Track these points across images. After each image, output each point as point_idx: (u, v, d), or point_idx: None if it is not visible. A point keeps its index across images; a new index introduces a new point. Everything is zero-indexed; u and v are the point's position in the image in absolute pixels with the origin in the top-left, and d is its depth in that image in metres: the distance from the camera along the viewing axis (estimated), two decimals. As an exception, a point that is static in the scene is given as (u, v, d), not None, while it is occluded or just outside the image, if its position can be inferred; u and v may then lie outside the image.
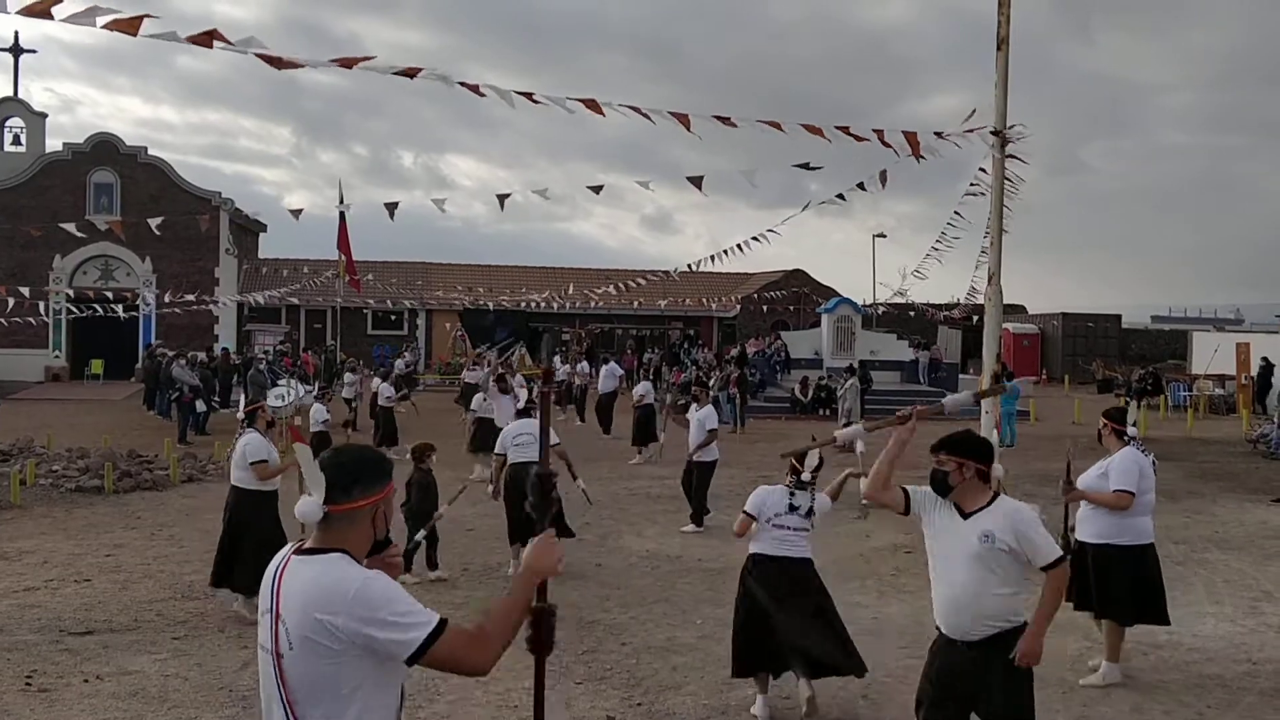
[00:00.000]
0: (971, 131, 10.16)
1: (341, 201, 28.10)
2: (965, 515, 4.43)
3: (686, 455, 12.37)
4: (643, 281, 27.50)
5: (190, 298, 28.07)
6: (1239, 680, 6.77)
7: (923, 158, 9.62)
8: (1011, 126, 10.40)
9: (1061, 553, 4.51)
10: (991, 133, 10.58)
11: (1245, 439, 21.00)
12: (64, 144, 35.56)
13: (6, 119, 35.78)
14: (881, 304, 38.52)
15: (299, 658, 2.49)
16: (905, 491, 4.61)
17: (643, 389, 18.90)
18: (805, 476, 6.29)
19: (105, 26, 4.91)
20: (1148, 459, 6.82)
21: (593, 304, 36.22)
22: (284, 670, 2.51)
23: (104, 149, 35.04)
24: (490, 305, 36.66)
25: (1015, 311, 42.58)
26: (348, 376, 22.63)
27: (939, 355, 33.10)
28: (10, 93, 36.07)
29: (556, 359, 32.00)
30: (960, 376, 31.62)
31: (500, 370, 18.65)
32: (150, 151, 35.63)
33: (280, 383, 21.09)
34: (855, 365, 24.43)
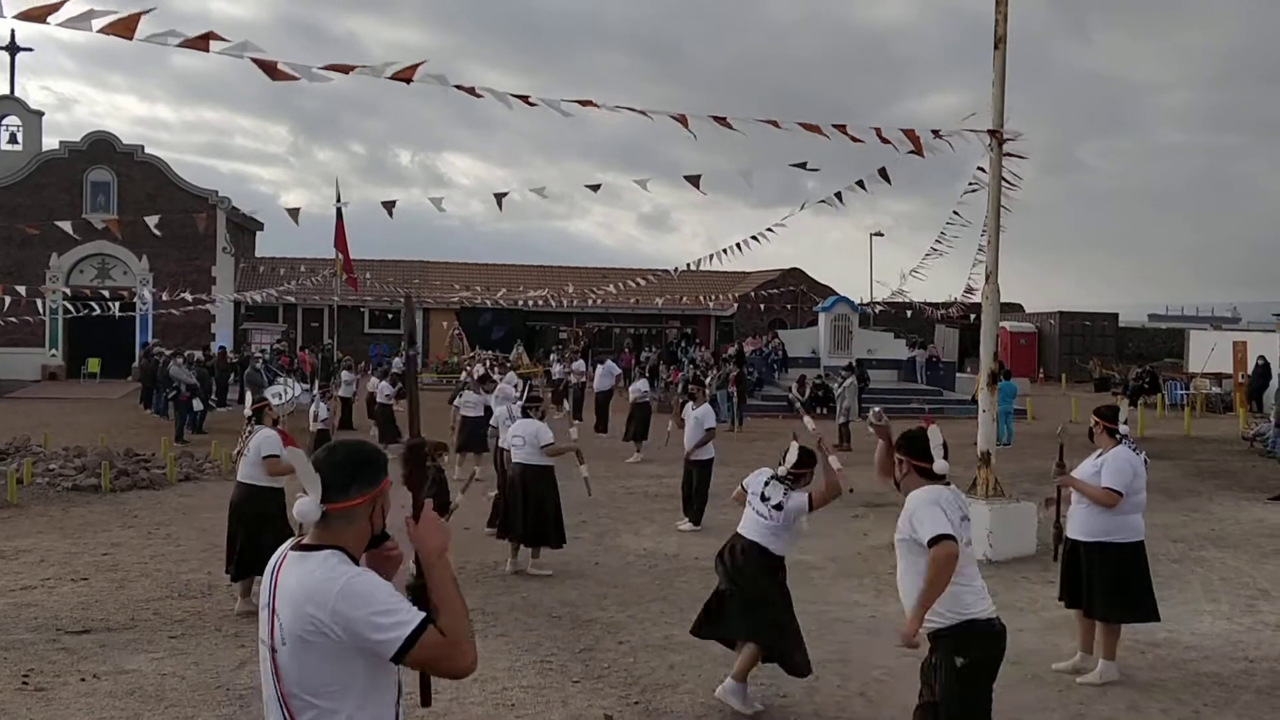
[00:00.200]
0: (971, 131, 10.17)
1: (339, 200, 28.12)
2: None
3: (684, 455, 12.34)
4: (643, 281, 27.52)
5: (187, 296, 28.03)
6: (1236, 678, 6.78)
7: (923, 154, 9.63)
8: (1006, 129, 10.41)
9: (939, 533, 4.29)
10: (989, 131, 10.59)
11: (1242, 437, 21.03)
12: (60, 142, 35.56)
13: (3, 117, 35.74)
14: (879, 302, 38.55)
15: (291, 652, 2.51)
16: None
17: (639, 387, 18.90)
18: (780, 471, 6.28)
19: (102, 30, 4.91)
20: (1140, 457, 6.84)
21: (590, 302, 36.23)
22: (279, 664, 2.54)
23: (100, 147, 35.03)
24: (488, 303, 36.65)
25: (1012, 310, 42.63)
26: (344, 375, 22.64)
27: (936, 354, 33.12)
28: (7, 91, 36.05)
29: (552, 357, 32.06)
30: (957, 375, 31.65)
31: (483, 370, 18.60)
32: (147, 150, 35.65)
33: (277, 381, 21.07)
34: (853, 364, 24.46)
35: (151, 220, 14.25)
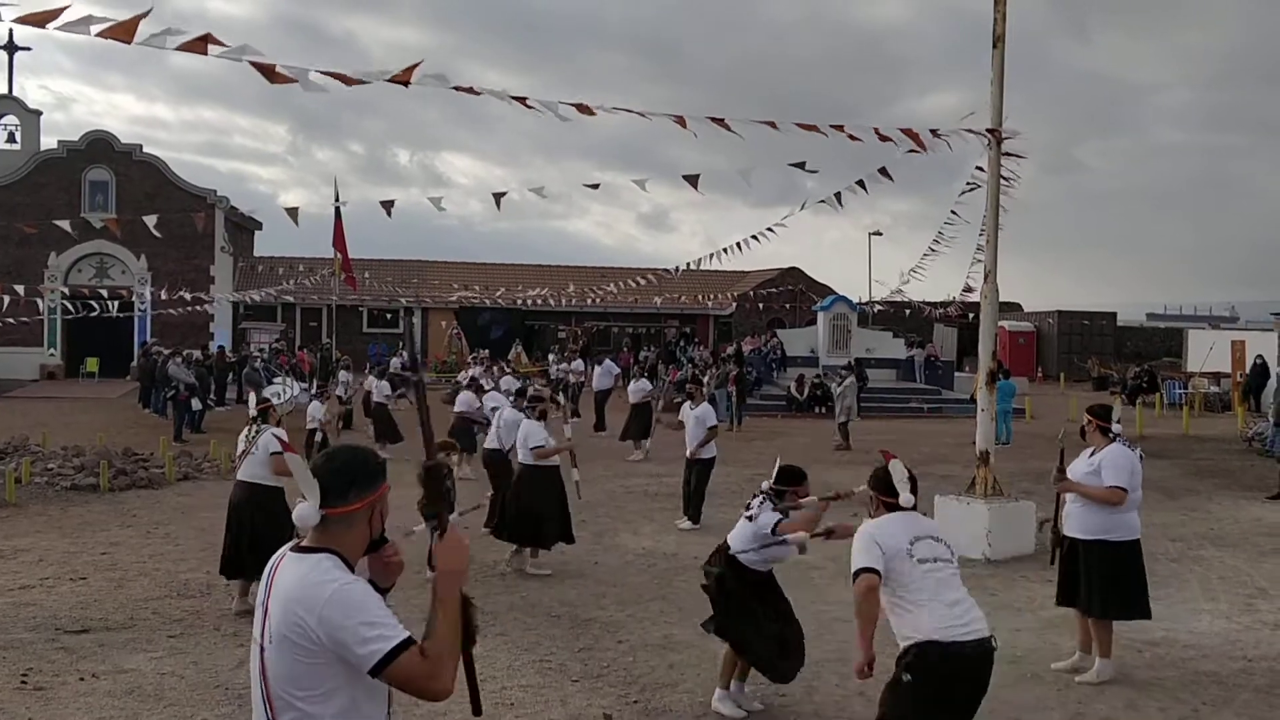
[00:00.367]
0: (969, 130, 10.18)
1: (337, 199, 28.08)
2: None
3: (685, 454, 12.33)
4: (642, 281, 27.51)
5: (186, 296, 28.02)
6: (1234, 677, 6.79)
7: (924, 150, 9.64)
8: (1004, 128, 10.42)
9: (859, 566, 4.39)
10: (987, 131, 10.59)
11: (1240, 436, 21.05)
12: (59, 141, 35.52)
13: (1, 117, 35.70)
14: (877, 302, 38.54)
15: (277, 652, 2.52)
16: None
17: (641, 386, 18.90)
18: (764, 485, 6.20)
19: (100, 34, 4.91)
20: (1135, 453, 6.84)
21: (589, 302, 36.21)
22: (265, 663, 2.55)
23: (99, 146, 34.99)
24: (487, 303, 36.64)
25: (1011, 309, 42.64)
26: (342, 375, 22.64)
27: (935, 353, 33.13)
28: (5, 91, 36.01)
29: (551, 357, 32.04)
30: (956, 374, 31.66)
31: (473, 377, 18.61)
32: (145, 149, 35.60)
33: (275, 381, 21.08)
34: (852, 363, 24.47)
35: (150, 220, 14.21)
